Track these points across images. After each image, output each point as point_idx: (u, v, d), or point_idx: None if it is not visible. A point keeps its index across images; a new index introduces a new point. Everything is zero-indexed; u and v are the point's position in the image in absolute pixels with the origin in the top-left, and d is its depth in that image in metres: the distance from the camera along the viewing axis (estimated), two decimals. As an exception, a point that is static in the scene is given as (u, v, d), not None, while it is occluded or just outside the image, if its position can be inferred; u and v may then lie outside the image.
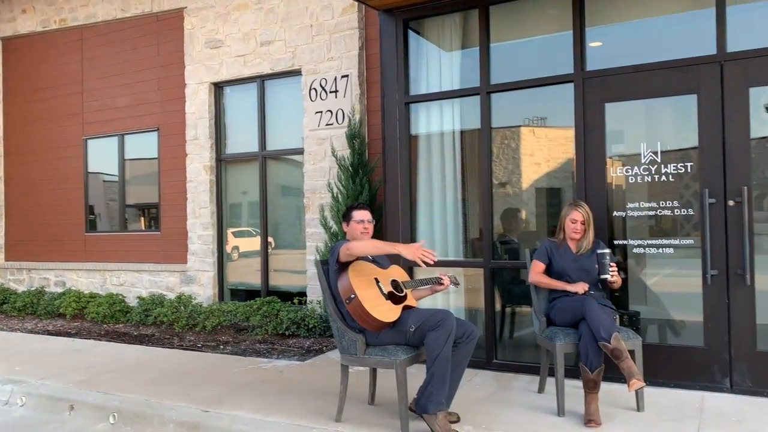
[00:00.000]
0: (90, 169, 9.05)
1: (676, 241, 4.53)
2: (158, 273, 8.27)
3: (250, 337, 6.68)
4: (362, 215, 4.07)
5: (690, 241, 4.48)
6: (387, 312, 3.66)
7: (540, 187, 5.37)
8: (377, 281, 3.79)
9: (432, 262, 3.57)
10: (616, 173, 4.71)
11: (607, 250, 4.12)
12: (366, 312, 3.58)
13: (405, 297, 3.83)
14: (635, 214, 4.66)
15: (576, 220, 4.27)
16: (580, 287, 4.12)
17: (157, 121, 8.34)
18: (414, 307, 3.88)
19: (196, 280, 7.89)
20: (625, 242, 4.71)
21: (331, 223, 6.52)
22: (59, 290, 8.92)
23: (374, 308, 3.61)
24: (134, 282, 8.49)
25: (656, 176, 4.57)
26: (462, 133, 5.55)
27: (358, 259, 3.80)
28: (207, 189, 7.80)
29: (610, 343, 3.69)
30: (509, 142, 5.42)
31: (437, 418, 3.56)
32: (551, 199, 5.34)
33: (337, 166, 6.53)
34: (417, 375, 3.97)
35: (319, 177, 6.92)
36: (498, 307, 5.31)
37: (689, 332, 4.57)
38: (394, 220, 5.47)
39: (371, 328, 3.71)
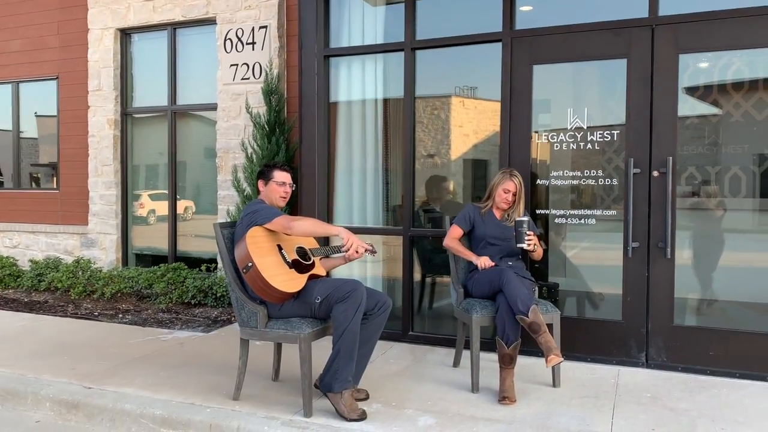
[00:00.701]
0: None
1: (599, 212, 4.38)
2: (56, 235, 7.60)
3: (153, 305, 6.21)
4: (284, 177, 3.68)
5: (613, 212, 4.34)
6: (289, 282, 3.31)
7: (467, 158, 5.13)
8: (280, 248, 3.43)
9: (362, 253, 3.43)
10: (541, 139, 4.50)
11: (525, 218, 3.90)
12: (265, 282, 3.23)
13: (312, 265, 3.50)
14: (559, 183, 4.48)
15: (509, 191, 4.03)
16: (483, 262, 3.91)
17: (57, 69, 7.58)
18: (322, 276, 3.55)
19: (97, 244, 7.29)
20: (547, 212, 4.53)
21: (245, 185, 6.08)
22: (-57, 252, 8.10)
23: (274, 277, 3.26)
24: (29, 244, 7.79)
25: (582, 144, 4.39)
26: (385, 96, 5.21)
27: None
28: (110, 145, 7.16)
29: (527, 317, 3.50)
30: (439, 112, 5.14)
31: (342, 396, 3.28)
32: (477, 170, 5.13)
33: (252, 124, 6.07)
34: (326, 348, 3.66)
35: (233, 135, 6.44)
36: (417, 276, 5.07)
37: (608, 306, 4.47)
38: (311, 183, 5.11)
39: (272, 300, 3.37)
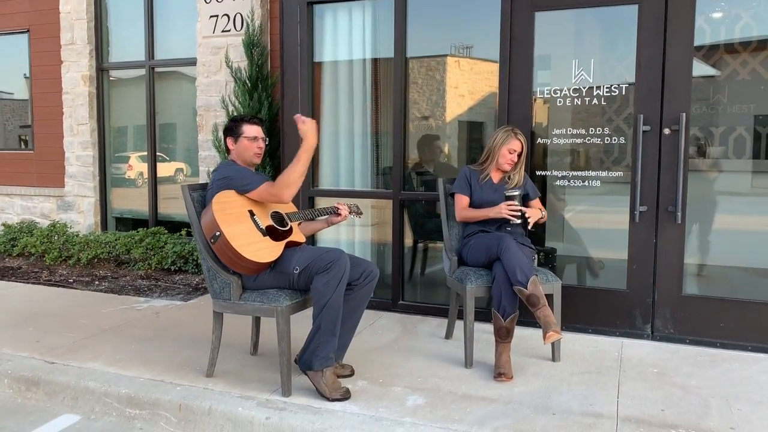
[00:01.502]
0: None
1: (604, 174, 4.05)
2: (32, 198, 7.25)
3: (132, 272, 5.91)
4: (256, 131, 3.28)
5: (619, 174, 4.02)
6: (263, 251, 2.99)
7: (463, 120, 4.79)
8: (252, 214, 3.09)
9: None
10: (543, 94, 4.14)
11: (515, 192, 3.56)
12: (235, 252, 2.91)
13: (289, 231, 3.17)
14: (561, 141, 4.14)
15: (514, 150, 3.69)
16: (502, 208, 3.55)
17: (27, 21, 7.12)
18: (301, 243, 3.23)
19: (75, 207, 6.94)
20: (547, 173, 4.20)
21: (226, 145, 5.72)
22: None
23: (245, 247, 2.93)
24: (4, 207, 7.44)
25: (587, 100, 4.04)
26: (374, 49, 4.82)
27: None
28: (86, 102, 6.77)
29: (526, 288, 3.20)
30: (434, 73, 4.77)
31: (324, 375, 2.99)
32: (473, 132, 4.80)
33: (233, 79, 5.68)
34: (309, 318, 3.37)
35: (214, 92, 6.04)
36: (408, 242, 4.77)
37: (612, 274, 4.18)
38: (294, 142, 4.74)
39: (245, 271, 3.05)
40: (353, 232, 5.01)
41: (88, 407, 3.21)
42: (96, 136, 6.84)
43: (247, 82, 5.51)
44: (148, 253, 5.88)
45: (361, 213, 3.62)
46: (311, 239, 4.90)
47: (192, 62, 6.25)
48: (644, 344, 3.86)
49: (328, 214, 3.46)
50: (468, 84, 4.73)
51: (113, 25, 6.82)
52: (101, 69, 6.82)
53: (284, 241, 3.09)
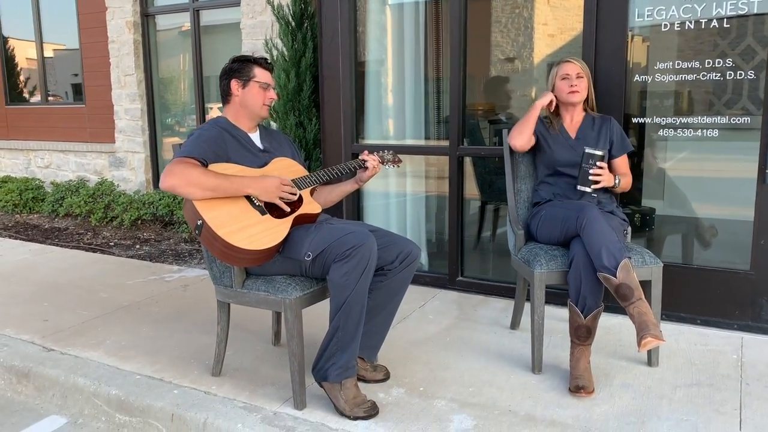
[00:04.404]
0: (3, 30, 7.52)
1: (724, 120, 3.11)
2: (85, 154, 6.96)
3: (176, 234, 5.47)
4: (269, 78, 2.61)
5: (746, 120, 3.06)
6: (260, 234, 2.30)
7: (549, 62, 3.92)
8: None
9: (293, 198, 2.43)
10: (643, 17, 3.20)
11: (599, 152, 2.72)
12: (222, 241, 2.23)
13: (298, 202, 2.48)
14: (666, 78, 3.20)
15: (569, 74, 2.87)
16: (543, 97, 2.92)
17: (72, -34, 6.70)
18: (316, 216, 2.54)
19: (126, 163, 6.59)
20: (647, 120, 3.29)
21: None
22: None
23: (236, 233, 2.24)
24: (60, 164, 7.21)
25: (702, 22, 3.07)
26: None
27: (217, 154, 2.38)
28: (131, 51, 6.31)
29: (615, 277, 2.40)
30: (521, 10, 3.90)
31: (342, 388, 2.34)
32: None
33: (275, 18, 4.99)
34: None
35: (259, 35, 5.40)
36: (472, 204, 4.02)
37: (729, 250, 3.27)
38: (334, 87, 4.04)
39: (244, 264, 2.39)
40: (402, 186, 4.28)
41: (76, 409, 2.73)
42: (143, 88, 6.40)
43: (291, 20, 4.79)
44: (192, 215, 5.41)
45: (399, 161, 2.84)
46: (340, 207, 4.21)
47: (238, 2, 5.61)
48: (773, 343, 2.98)
49: (352, 170, 2.72)
50: (558, 21, 3.83)
51: (158, -35, 6.27)
52: (146, 15, 6.31)
53: (291, 217, 2.40)
